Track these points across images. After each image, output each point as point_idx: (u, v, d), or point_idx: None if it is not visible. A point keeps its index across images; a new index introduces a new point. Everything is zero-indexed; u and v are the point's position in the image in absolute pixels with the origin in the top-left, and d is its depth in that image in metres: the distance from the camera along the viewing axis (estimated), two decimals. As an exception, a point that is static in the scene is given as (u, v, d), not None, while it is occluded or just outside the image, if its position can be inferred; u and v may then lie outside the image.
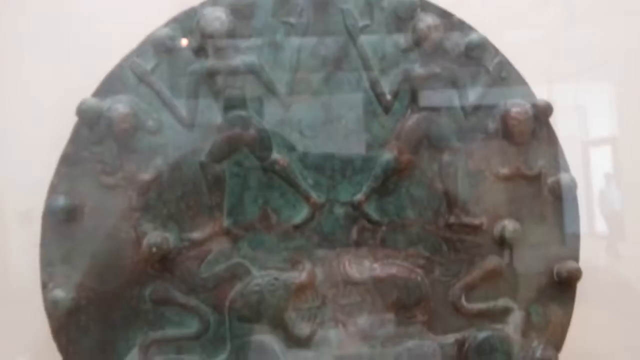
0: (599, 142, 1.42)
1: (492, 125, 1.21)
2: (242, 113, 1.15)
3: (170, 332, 1.13)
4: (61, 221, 1.09)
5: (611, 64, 1.37)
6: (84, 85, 1.12)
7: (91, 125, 1.11)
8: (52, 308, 1.08)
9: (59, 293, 1.08)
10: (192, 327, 1.13)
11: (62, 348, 1.10)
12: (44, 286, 1.10)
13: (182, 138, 1.14)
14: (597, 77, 1.40)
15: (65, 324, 1.10)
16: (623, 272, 1.39)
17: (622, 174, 1.40)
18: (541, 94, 1.23)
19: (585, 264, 1.22)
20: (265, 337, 1.14)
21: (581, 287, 1.24)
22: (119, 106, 1.11)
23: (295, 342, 1.15)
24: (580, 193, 1.24)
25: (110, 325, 1.12)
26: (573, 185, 1.23)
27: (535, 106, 1.22)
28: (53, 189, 1.10)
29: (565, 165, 1.24)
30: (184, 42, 1.14)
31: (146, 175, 1.12)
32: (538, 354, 1.21)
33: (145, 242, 1.10)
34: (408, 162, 1.19)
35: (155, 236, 1.11)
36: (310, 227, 1.17)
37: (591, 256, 1.28)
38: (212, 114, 1.14)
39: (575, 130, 1.32)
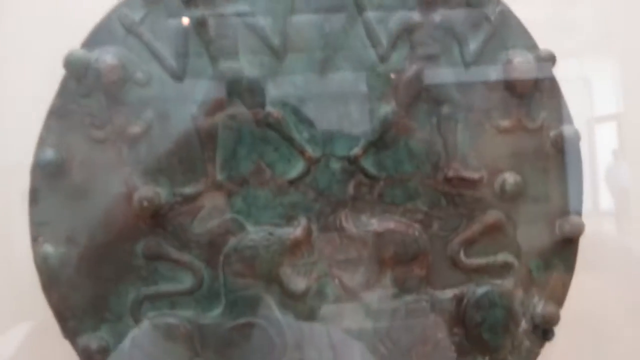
0: (604, 118, 1.39)
1: (493, 76, 1.17)
2: (234, 64, 1.12)
3: (164, 287, 1.12)
4: (51, 174, 1.07)
5: (616, 39, 1.34)
6: (71, 38, 1.09)
7: (79, 78, 1.08)
8: (42, 263, 1.07)
9: (49, 248, 1.07)
10: (185, 282, 1.12)
11: (53, 304, 1.09)
12: (34, 240, 1.08)
13: (172, 90, 1.10)
14: (603, 53, 1.37)
15: (56, 279, 1.08)
16: (630, 248, 1.37)
17: (627, 150, 1.38)
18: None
19: (591, 241, 1.20)
20: (260, 292, 1.13)
21: (587, 262, 1.22)
22: (107, 57, 1.08)
23: (291, 297, 1.13)
24: (586, 169, 1.22)
25: (102, 281, 1.10)
26: (576, 138, 1.20)
27: (537, 56, 1.18)
28: (42, 142, 1.08)
29: (568, 118, 1.20)
30: (185, 20, 1.10)
31: (136, 128, 1.09)
32: (539, 309, 1.20)
33: (136, 196, 1.08)
34: (406, 115, 1.15)
35: (146, 190, 1.09)
36: (305, 182, 1.14)
37: (597, 233, 1.27)
38: (203, 65, 1.11)
39: (581, 106, 1.28)
